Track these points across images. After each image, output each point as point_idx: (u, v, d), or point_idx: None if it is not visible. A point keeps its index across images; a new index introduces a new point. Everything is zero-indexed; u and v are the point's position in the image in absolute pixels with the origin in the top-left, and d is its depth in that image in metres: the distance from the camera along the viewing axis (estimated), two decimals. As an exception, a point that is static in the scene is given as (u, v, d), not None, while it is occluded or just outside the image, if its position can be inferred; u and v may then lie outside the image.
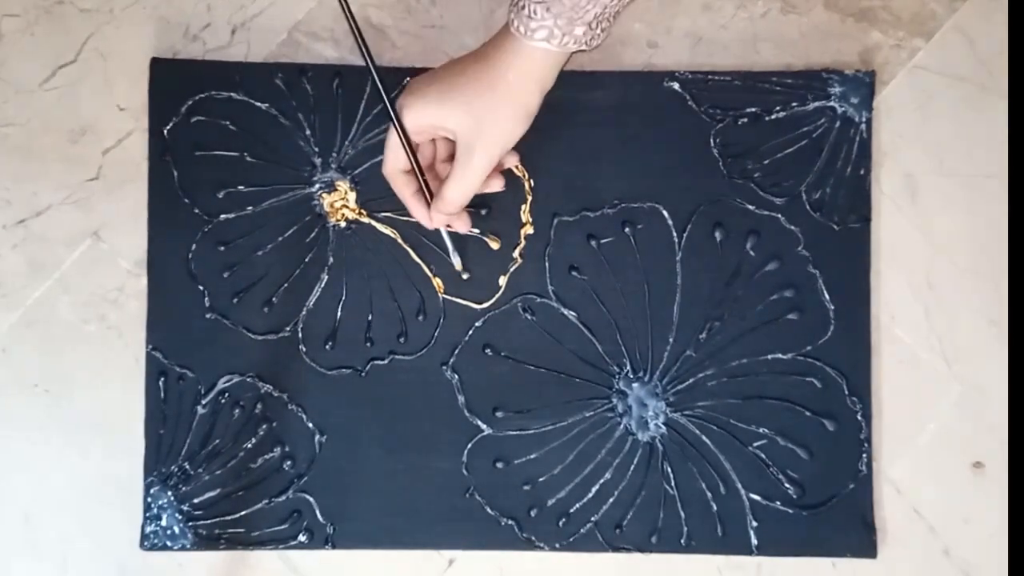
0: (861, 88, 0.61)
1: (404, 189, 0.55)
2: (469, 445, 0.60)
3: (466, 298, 0.61)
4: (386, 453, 0.60)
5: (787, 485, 0.60)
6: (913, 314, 0.61)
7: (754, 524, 0.60)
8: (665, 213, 0.61)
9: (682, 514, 0.60)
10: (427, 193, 0.54)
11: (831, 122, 0.61)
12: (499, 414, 0.60)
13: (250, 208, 0.61)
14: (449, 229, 0.57)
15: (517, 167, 0.60)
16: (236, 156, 0.61)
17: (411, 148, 0.53)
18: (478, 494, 0.60)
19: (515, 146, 0.53)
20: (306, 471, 0.60)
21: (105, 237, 0.62)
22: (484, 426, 0.60)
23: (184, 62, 0.62)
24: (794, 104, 0.61)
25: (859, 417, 0.60)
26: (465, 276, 0.60)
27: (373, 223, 0.61)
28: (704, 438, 0.60)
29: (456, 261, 0.59)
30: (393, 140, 0.53)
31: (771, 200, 0.61)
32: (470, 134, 0.51)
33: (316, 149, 0.61)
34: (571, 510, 0.60)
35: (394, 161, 0.54)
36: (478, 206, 0.61)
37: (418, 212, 0.55)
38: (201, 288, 0.61)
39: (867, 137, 0.61)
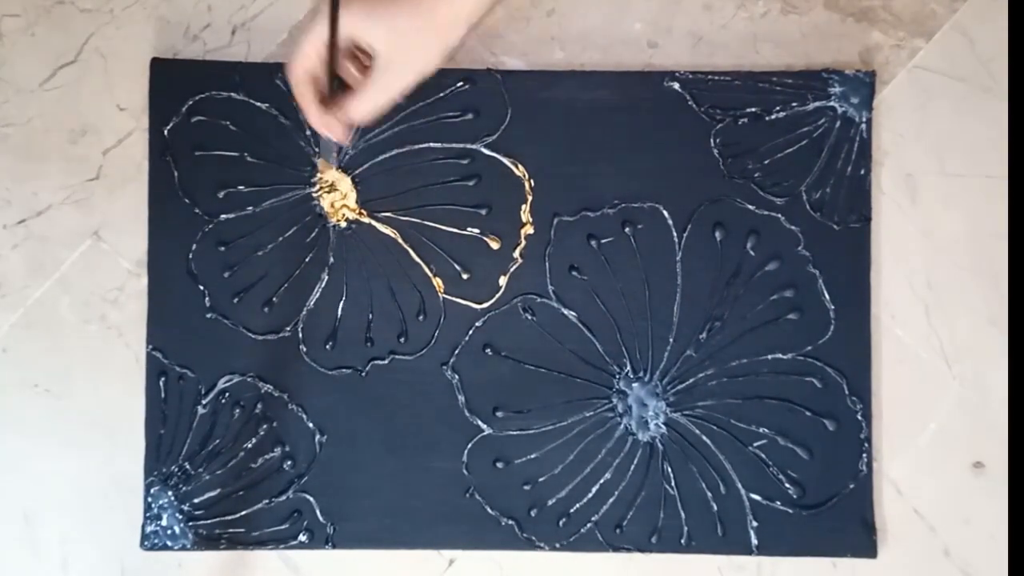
0: (861, 88, 0.61)
1: (307, 93, 0.52)
2: (469, 445, 0.60)
3: (466, 298, 0.61)
4: (386, 453, 0.60)
5: (787, 485, 0.60)
6: (913, 314, 0.61)
7: (754, 524, 0.60)
8: (665, 213, 0.61)
9: (682, 514, 0.60)
10: (329, 90, 0.51)
11: (831, 122, 0.61)
12: (499, 414, 0.60)
13: (250, 208, 0.61)
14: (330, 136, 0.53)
15: (518, 166, 0.60)
16: (236, 156, 0.61)
17: (335, 49, 0.50)
18: (478, 494, 0.60)
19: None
20: (306, 471, 0.60)
21: (105, 237, 0.62)
22: (484, 426, 0.60)
23: (184, 62, 0.62)
24: (794, 104, 0.61)
25: (859, 417, 0.60)
26: (334, 190, 0.57)
27: (373, 223, 0.61)
28: (704, 438, 0.60)
29: (332, 160, 0.56)
30: (311, 43, 0.50)
31: (771, 200, 0.61)
32: (391, 54, 0.49)
33: (316, 149, 0.61)
34: (571, 510, 0.60)
35: (304, 63, 0.51)
36: (478, 206, 0.61)
37: (314, 116, 0.52)
38: (201, 288, 0.61)
39: (867, 137, 0.61)
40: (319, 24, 0.50)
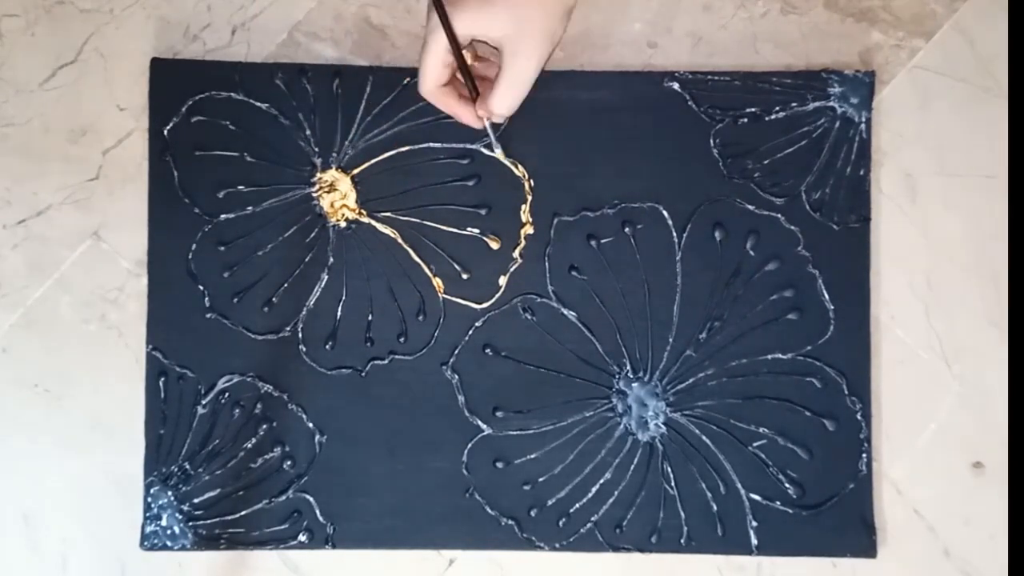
0: (861, 88, 0.61)
1: (447, 100, 0.54)
2: (469, 445, 0.60)
3: (466, 298, 0.61)
4: (386, 453, 0.60)
5: (787, 485, 0.60)
6: (913, 314, 0.61)
7: (754, 524, 0.60)
8: (665, 213, 0.61)
9: (682, 514, 0.60)
10: (472, 93, 0.54)
11: (831, 122, 0.61)
12: (499, 414, 0.60)
13: (250, 208, 0.61)
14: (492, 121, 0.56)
15: (518, 166, 0.60)
16: (236, 156, 0.61)
17: (460, 53, 0.51)
18: (478, 494, 0.60)
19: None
20: (306, 471, 0.60)
21: (105, 237, 0.62)
22: (484, 426, 0.60)
23: (184, 62, 0.62)
24: (794, 104, 0.61)
25: (859, 417, 0.60)
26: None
27: (373, 223, 0.61)
28: (704, 438, 0.60)
29: (499, 152, 0.58)
30: (432, 57, 0.52)
31: (771, 200, 0.61)
32: (516, 39, 0.50)
33: (316, 149, 0.61)
34: (571, 510, 0.60)
35: (434, 78, 0.52)
36: (478, 206, 0.61)
37: (466, 116, 0.54)
38: (201, 288, 0.61)
39: (867, 137, 0.61)
40: (435, 35, 0.50)
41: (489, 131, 0.56)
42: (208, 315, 0.61)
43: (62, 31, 0.62)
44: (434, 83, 0.53)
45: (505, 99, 0.52)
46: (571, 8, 0.51)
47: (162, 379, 0.60)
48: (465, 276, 0.61)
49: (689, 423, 0.60)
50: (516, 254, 0.61)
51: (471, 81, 0.53)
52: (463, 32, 0.51)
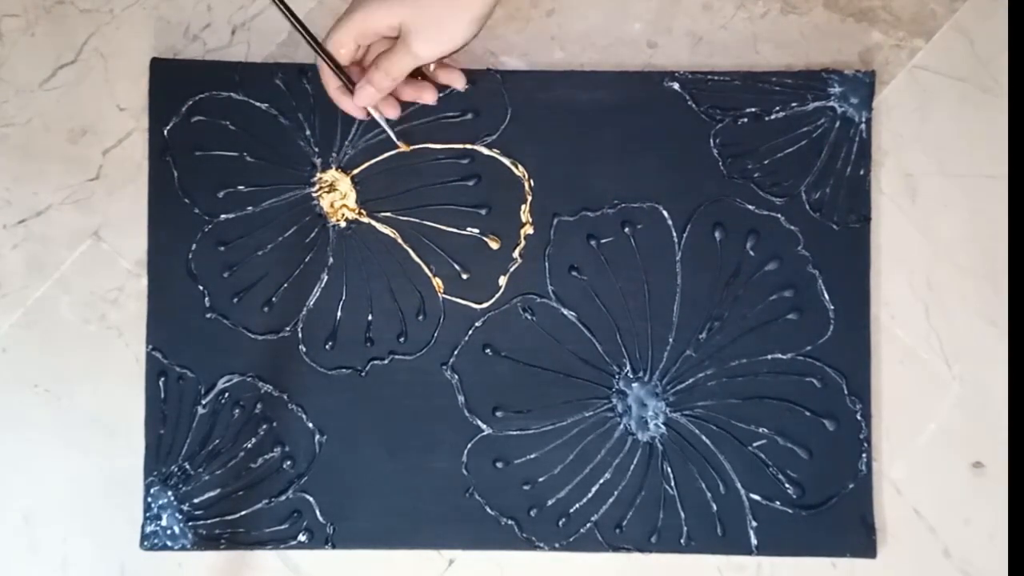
0: (861, 88, 0.61)
1: (331, 83, 0.55)
2: (469, 445, 0.60)
3: (466, 298, 0.61)
4: (386, 453, 0.60)
5: (787, 485, 0.60)
6: (913, 314, 0.61)
7: (754, 524, 0.60)
8: (665, 213, 0.61)
9: (682, 514, 0.60)
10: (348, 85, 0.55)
11: (831, 122, 0.61)
12: (499, 414, 0.60)
13: (250, 208, 0.61)
14: (380, 114, 0.57)
15: (518, 166, 0.60)
16: (236, 156, 0.61)
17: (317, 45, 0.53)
18: (478, 494, 0.60)
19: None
20: (306, 471, 0.60)
21: (105, 237, 0.62)
22: (484, 426, 0.60)
23: (184, 62, 0.62)
24: (794, 104, 0.61)
25: (859, 417, 0.60)
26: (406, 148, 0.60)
27: (373, 223, 0.61)
28: (704, 438, 0.60)
29: (395, 138, 0.59)
30: (340, 35, 0.53)
31: (771, 200, 0.61)
32: (415, 24, 0.51)
33: (316, 149, 0.61)
34: (571, 510, 0.60)
35: (348, 51, 0.54)
36: (478, 206, 0.61)
37: (345, 103, 0.56)
38: (201, 288, 0.61)
39: (867, 137, 0.61)
40: (355, 15, 0.52)
41: (379, 119, 0.57)
42: (208, 315, 0.61)
43: (62, 31, 0.62)
44: (348, 55, 0.54)
45: (385, 68, 0.53)
46: (479, 17, 0.51)
47: (162, 379, 0.60)
48: (465, 276, 0.61)
49: (689, 423, 0.60)
50: (516, 254, 0.61)
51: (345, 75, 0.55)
52: (367, 26, 0.52)
